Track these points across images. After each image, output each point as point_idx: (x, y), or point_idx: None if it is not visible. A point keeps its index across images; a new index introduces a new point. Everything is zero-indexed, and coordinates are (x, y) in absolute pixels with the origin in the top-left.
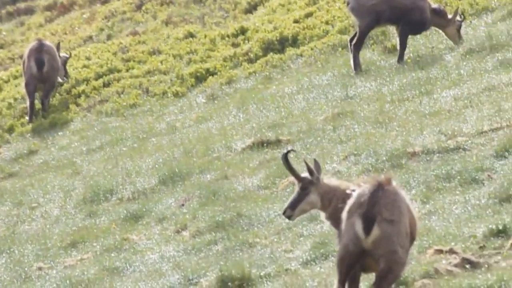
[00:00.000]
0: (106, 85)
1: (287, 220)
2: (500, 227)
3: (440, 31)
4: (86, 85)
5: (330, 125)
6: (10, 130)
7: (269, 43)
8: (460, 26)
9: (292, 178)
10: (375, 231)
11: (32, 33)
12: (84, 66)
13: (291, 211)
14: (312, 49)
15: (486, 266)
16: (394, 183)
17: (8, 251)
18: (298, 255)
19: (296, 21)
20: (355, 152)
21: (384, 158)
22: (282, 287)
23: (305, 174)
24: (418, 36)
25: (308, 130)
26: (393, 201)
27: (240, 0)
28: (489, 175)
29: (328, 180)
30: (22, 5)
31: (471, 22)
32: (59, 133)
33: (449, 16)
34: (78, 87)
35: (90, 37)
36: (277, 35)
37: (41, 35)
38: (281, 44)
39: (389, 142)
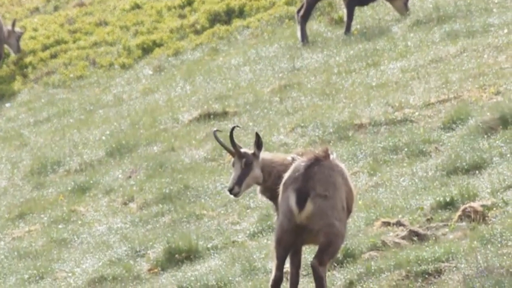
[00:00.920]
0: (53, 56)
1: (232, 197)
2: (448, 199)
3: (387, 3)
4: (33, 56)
5: (276, 97)
6: None
7: (215, 15)
8: None
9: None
10: (309, 206)
11: None
12: (31, 37)
13: (238, 188)
14: (258, 20)
15: (434, 238)
16: (332, 155)
17: None
18: (245, 227)
19: None
20: (302, 124)
21: (331, 130)
22: (229, 259)
23: (244, 149)
24: (365, 7)
25: (255, 102)
26: (328, 176)
27: None
28: (436, 147)
29: (263, 153)
30: None
31: None
32: (6, 105)
33: None
34: (25, 59)
35: (37, 9)
36: (223, 6)
37: None
38: (228, 16)
39: (336, 114)
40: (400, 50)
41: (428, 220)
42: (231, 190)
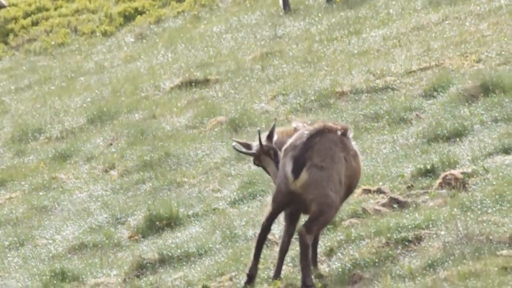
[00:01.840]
0: (35, 23)
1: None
2: (428, 167)
3: None
4: (15, 23)
5: (258, 65)
6: None
7: None
8: None
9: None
10: (303, 175)
11: None
12: (13, 4)
13: None
14: None
15: (414, 205)
16: (350, 133)
17: None
18: (226, 195)
19: None
20: (284, 92)
21: (313, 98)
22: (209, 226)
23: (256, 143)
24: None
25: (237, 70)
26: (328, 148)
27: None
28: (417, 115)
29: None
30: None
31: None
32: None
33: None
34: (6, 26)
35: None
36: None
37: None
38: None
39: (318, 82)
40: (382, 18)
41: (408, 187)
42: None
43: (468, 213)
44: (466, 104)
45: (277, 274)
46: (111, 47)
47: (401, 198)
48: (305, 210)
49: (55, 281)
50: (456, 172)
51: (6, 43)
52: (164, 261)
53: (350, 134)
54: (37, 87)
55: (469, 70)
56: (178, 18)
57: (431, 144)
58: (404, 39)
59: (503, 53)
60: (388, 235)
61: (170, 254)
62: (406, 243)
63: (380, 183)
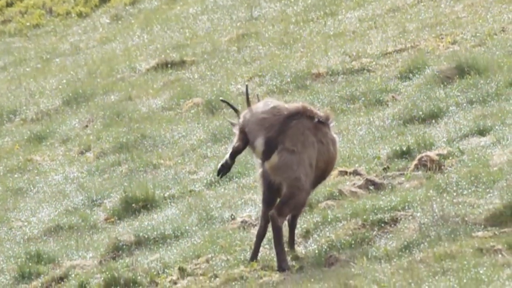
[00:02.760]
0: (9, 5)
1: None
2: (404, 149)
3: None
4: None
5: (234, 46)
6: None
7: None
8: None
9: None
10: (274, 158)
11: None
12: None
13: None
14: None
15: (390, 187)
16: (331, 121)
17: None
18: (202, 176)
19: None
20: (260, 73)
21: (289, 79)
22: (186, 208)
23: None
24: None
25: (213, 51)
26: (300, 133)
27: None
28: (393, 97)
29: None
30: None
31: None
32: None
33: None
34: None
35: None
36: None
37: None
38: None
39: (294, 63)
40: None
41: (384, 169)
42: None
43: (444, 195)
44: (442, 85)
45: (253, 257)
46: (87, 28)
47: (377, 180)
48: (278, 192)
49: (30, 263)
50: (432, 153)
51: None
52: (140, 243)
53: (332, 123)
54: (12, 68)
55: (444, 52)
56: None
57: (407, 125)
58: (379, 20)
59: (478, 34)
60: (364, 217)
61: (146, 236)
62: (382, 225)
63: (356, 165)
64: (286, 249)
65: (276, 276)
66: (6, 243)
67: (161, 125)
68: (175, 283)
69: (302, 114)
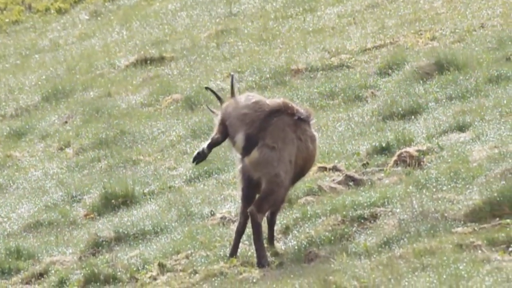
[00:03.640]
0: None
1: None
2: (383, 144)
3: None
4: None
5: (213, 42)
6: None
7: None
8: None
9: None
10: (254, 154)
11: None
12: None
13: None
14: None
15: (369, 183)
16: (311, 119)
17: None
18: (181, 173)
19: None
20: (239, 70)
21: (268, 76)
22: (165, 204)
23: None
24: None
25: (192, 47)
26: (281, 130)
27: None
28: (372, 93)
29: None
30: None
31: None
32: None
33: None
34: None
35: None
36: None
37: None
38: None
39: (273, 59)
40: None
41: (364, 165)
42: None
43: (423, 191)
44: (421, 81)
45: (233, 253)
46: (66, 24)
47: (356, 175)
48: (259, 190)
49: (10, 259)
50: (411, 149)
51: None
52: (120, 239)
53: (312, 120)
54: None
55: (423, 48)
56: None
57: (386, 121)
58: (359, 16)
59: (457, 30)
60: (344, 212)
61: (126, 232)
62: (362, 221)
63: (336, 161)
64: (265, 245)
65: (255, 272)
66: None
67: (140, 121)
68: (155, 279)
69: (283, 111)
